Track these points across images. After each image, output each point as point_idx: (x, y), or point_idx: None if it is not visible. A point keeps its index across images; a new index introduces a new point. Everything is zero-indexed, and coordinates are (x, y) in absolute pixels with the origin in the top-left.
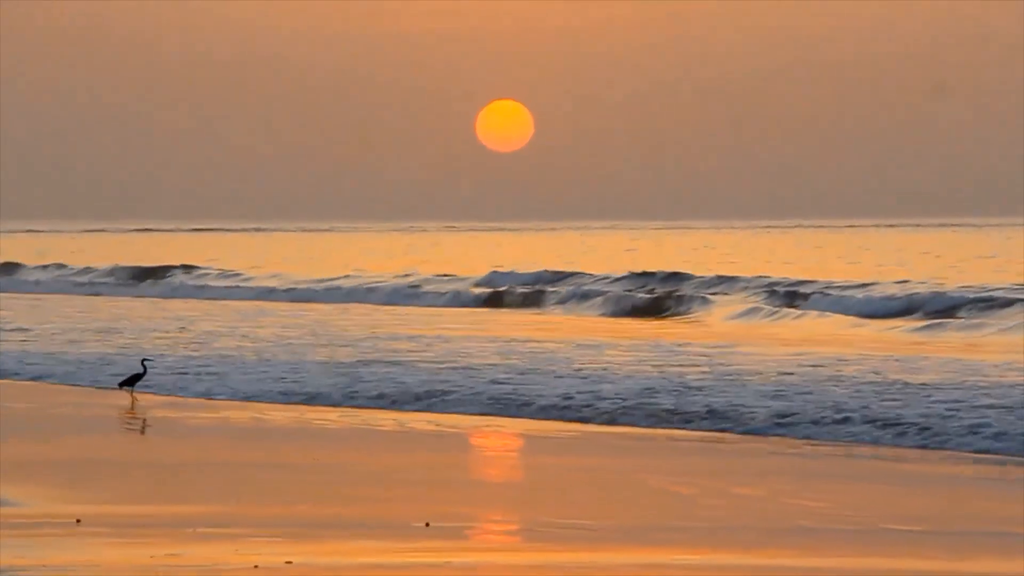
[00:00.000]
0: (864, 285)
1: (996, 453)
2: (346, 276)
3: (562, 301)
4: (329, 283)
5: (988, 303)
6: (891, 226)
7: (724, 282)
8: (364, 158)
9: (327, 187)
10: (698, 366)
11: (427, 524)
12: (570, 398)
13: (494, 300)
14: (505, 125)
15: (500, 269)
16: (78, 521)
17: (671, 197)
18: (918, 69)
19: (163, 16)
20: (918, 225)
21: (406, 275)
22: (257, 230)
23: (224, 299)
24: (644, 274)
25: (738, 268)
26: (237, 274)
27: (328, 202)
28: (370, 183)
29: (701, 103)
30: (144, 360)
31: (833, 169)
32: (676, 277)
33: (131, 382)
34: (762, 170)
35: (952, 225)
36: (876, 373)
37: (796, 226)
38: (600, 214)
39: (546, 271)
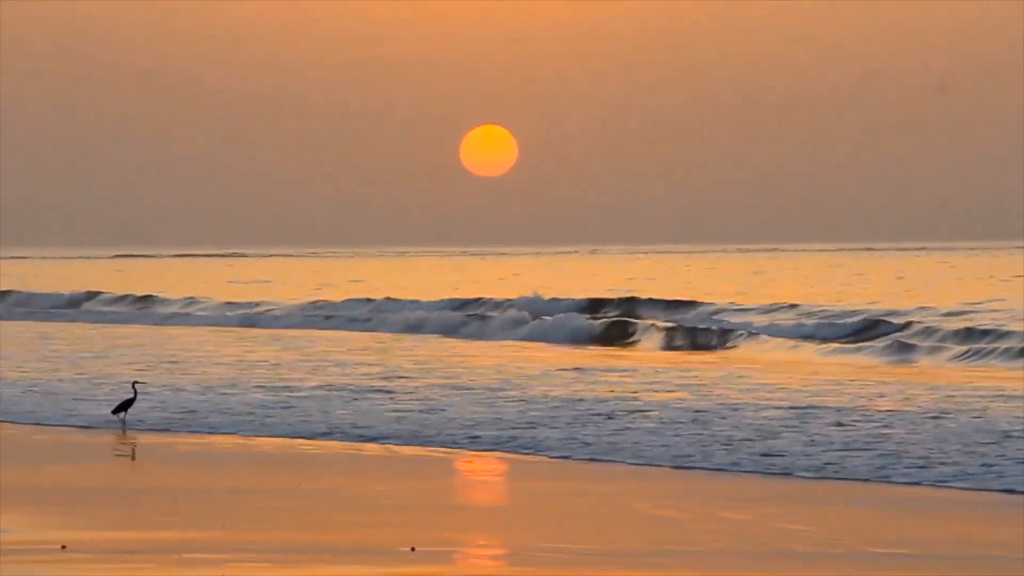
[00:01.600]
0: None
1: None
2: (256, 303)
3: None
4: (238, 310)
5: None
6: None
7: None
8: (347, 183)
9: (309, 212)
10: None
11: (413, 549)
12: (532, 427)
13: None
14: (489, 150)
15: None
16: (63, 547)
17: (656, 221)
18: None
19: (144, 43)
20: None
21: (313, 302)
22: (235, 255)
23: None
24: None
25: (688, 293)
26: (141, 298)
27: (311, 228)
28: (353, 208)
29: (686, 127)
30: (135, 383)
31: (827, 192)
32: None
33: (124, 407)
34: (751, 191)
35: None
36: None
37: (794, 250)
38: (585, 238)
39: (454, 298)
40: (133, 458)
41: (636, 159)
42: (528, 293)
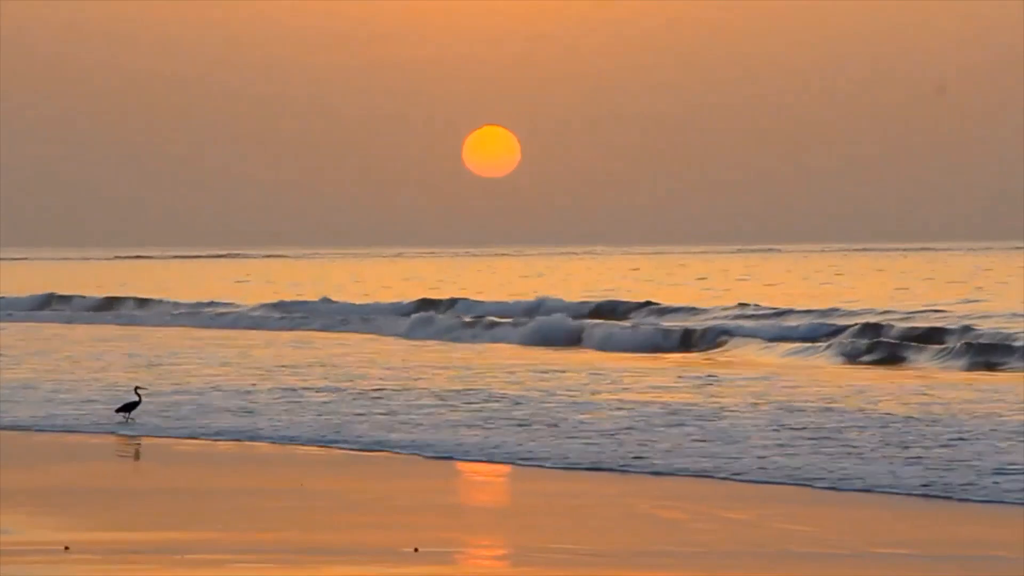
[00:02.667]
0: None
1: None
2: (211, 303)
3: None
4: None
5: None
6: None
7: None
8: (349, 184)
9: (312, 214)
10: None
11: (416, 549)
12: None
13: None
14: (492, 151)
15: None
16: (66, 548)
17: (659, 222)
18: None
19: (142, 43)
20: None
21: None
22: (239, 256)
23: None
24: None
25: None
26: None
27: (314, 229)
28: (356, 209)
29: (689, 127)
30: (137, 388)
31: (828, 192)
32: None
33: (127, 409)
34: (753, 192)
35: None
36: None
37: (796, 251)
38: (588, 239)
39: (425, 299)
40: (137, 458)
41: (639, 160)
42: (516, 295)
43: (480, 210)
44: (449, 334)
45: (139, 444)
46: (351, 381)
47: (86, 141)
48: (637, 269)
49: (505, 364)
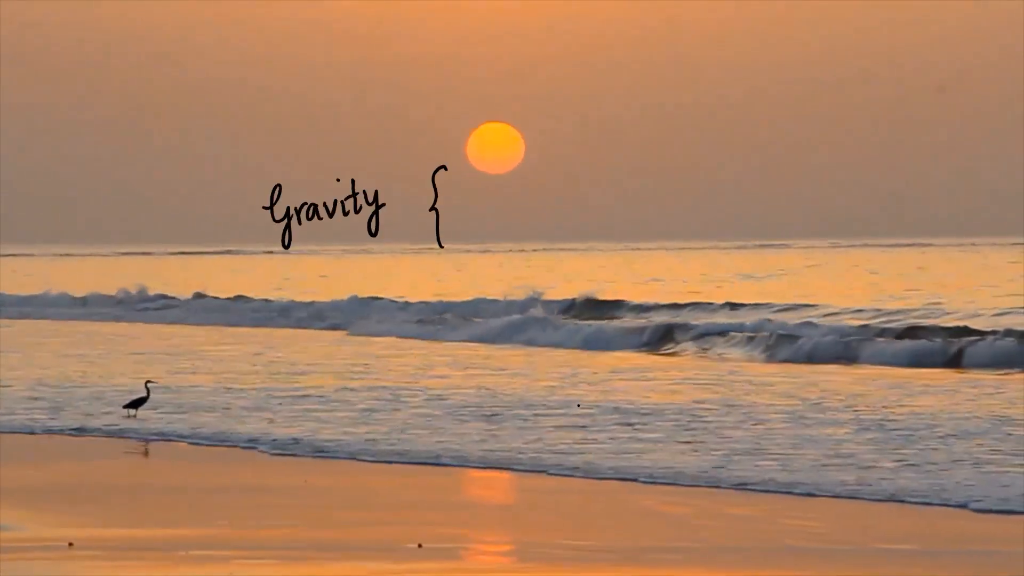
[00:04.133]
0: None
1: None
2: (166, 296)
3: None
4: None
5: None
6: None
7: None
8: (351, 180)
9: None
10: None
11: (420, 545)
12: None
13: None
14: (496, 147)
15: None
16: (70, 544)
17: (665, 218)
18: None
19: (144, 42)
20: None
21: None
22: (242, 253)
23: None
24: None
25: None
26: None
27: (317, 226)
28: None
29: (694, 123)
30: (148, 383)
31: (829, 189)
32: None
33: (135, 405)
34: (760, 188)
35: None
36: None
37: (801, 247)
38: (592, 235)
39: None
40: (146, 454)
41: (643, 157)
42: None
43: (483, 207)
44: (408, 332)
45: (147, 442)
46: (338, 379)
47: (85, 139)
48: (642, 264)
49: (476, 362)
